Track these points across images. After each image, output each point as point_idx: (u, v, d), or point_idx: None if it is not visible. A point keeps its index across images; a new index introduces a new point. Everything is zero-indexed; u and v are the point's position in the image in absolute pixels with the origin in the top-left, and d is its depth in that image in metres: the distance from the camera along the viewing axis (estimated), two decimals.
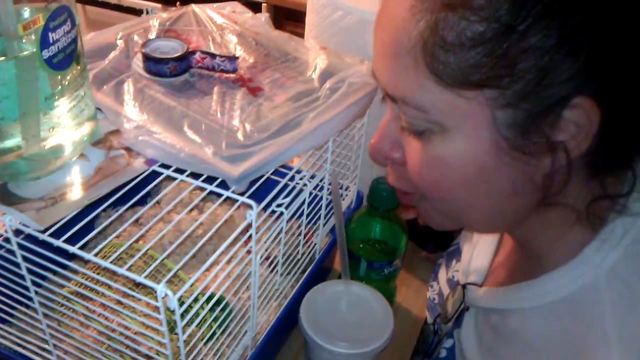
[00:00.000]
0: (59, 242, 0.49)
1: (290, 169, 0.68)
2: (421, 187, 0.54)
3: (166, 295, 0.47)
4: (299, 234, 0.73)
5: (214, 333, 0.67)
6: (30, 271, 0.54)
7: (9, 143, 0.52)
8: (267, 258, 0.72)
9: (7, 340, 0.65)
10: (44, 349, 0.63)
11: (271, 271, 0.72)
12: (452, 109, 0.47)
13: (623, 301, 0.49)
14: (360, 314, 0.71)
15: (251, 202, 0.56)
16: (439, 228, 0.60)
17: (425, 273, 0.95)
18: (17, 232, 0.51)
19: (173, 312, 0.48)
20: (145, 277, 0.47)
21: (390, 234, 0.81)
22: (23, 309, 0.61)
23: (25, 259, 0.53)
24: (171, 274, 0.50)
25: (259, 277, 0.64)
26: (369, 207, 0.80)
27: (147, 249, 0.51)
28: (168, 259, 0.80)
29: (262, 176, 0.59)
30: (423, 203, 0.58)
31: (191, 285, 0.67)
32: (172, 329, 0.53)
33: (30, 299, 0.57)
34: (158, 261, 0.50)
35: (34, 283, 0.55)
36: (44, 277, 0.54)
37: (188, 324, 0.63)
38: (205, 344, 0.64)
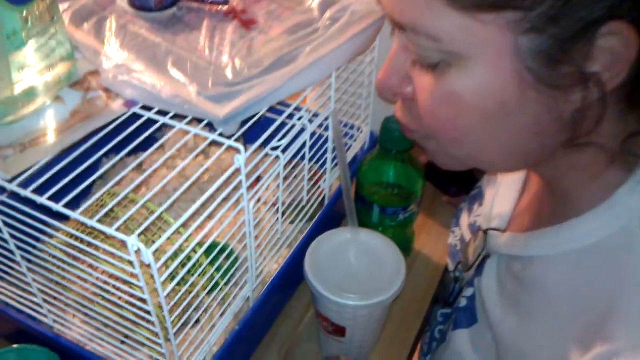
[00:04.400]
0: (41, 199, 0.45)
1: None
2: (433, 126, 0.49)
3: (139, 249, 0.43)
4: (304, 178, 0.68)
5: (217, 283, 0.63)
6: (8, 225, 0.51)
7: None
8: (274, 204, 0.68)
9: (1, 295, 0.63)
10: (35, 303, 0.61)
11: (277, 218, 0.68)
12: (468, 37, 0.42)
13: None
14: (369, 263, 0.67)
15: (238, 145, 0.51)
16: (447, 168, 0.55)
17: (446, 218, 0.89)
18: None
19: (149, 266, 0.45)
20: (142, 231, 0.44)
21: (405, 177, 0.75)
22: (8, 262, 0.58)
23: (2, 212, 0.50)
24: (148, 221, 0.45)
25: (260, 224, 0.60)
26: (381, 149, 0.74)
27: (145, 201, 0.47)
28: (172, 209, 0.77)
29: (254, 116, 0.54)
30: (428, 142, 0.53)
31: (189, 235, 0.64)
32: (172, 278, 0.49)
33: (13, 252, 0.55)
34: (155, 215, 0.45)
35: (14, 237, 0.52)
36: (24, 232, 0.51)
37: (190, 273, 0.60)
38: (208, 293, 0.61)
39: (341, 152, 0.64)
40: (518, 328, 0.55)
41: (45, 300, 0.59)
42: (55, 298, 0.58)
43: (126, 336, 0.58)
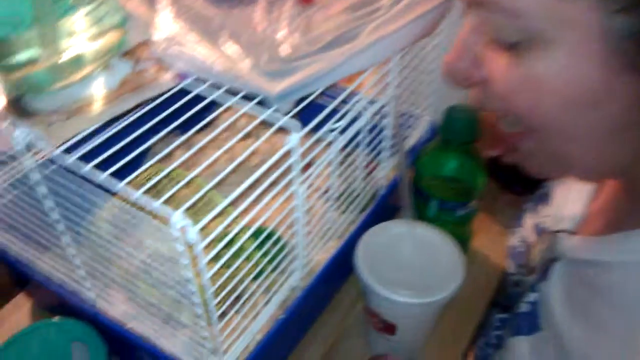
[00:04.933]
0: (87, 168, 0.43)
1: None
2: (511, 114, 0.45)
3: (184, 226, 0.41)
4: (359, 166, 0.65)
5: (263, 269, 0.61)
6: (54, 193, 0.50)
7: (25, 54, 0.47)
8: (325, 192, 0.65)
9: (46, 265, 0.62)
10: (78, 277, 0.60)
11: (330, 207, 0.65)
12: (553, 14, 0.38)
13: None
14: (425, 259, 0.63)
15: (292, 123, 0.48)
16: (540, 175, 0.50)
17: (507, 218, 0.84)
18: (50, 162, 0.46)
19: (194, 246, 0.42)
20: (189, 208, 0.41)
21: (467, 171, 0.71)
22: (52, 233, 0.57)
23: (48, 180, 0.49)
24: (195, 198, 0.43)
25: (310, 212, 0.57)
26: (443, 140, 0.70)
27: (193, 178, 0.44)
28: (219, 191, 0.75)
29: (307, 97, 0.51)
30: (528, 144, 0.48)
31: (236, 218, 0.62)
32: (217, 260, 0.46)
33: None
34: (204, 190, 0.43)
35: (59, 205, 0.51)
36: (70, 202, 0.49)
37: (235, 257, 0.58)
38: (253, 280, 0.59)
39: (400, 142, 0.60)
40: (588, 339, 0.50)
41: (89, 274, 0.58)
42: (99, 273, 0.57)
43: (169, 316, 0.56)
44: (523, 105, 0.43)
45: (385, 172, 0.72)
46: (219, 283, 0.48)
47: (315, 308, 0.74)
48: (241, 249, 0.63)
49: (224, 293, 0.49)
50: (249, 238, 0.54)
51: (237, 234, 0.51)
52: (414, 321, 0.62)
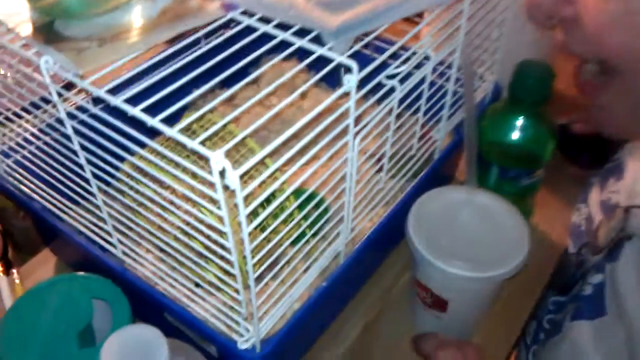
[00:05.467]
0: (118, 102, 0.38)
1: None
2: (603, 54, 0.39)
3: (224, 169, 0.35)
4: (414, 125, 0.58)
5: (303, 233, 0.55)
6: (79, 134, 0.45)
7: None
8: (373, 155, 0.59)
9: (69, 218, 0.58)
10: (104, 231, 0.55)
11: (378, 171, 0.59)
12: None
13: None
14: (486, 229, 0.56)
15: (351, 63, 0.42)
16: (617, 136, 0.44)
17: (570, 193, 0.77)
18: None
19: (234, 192, 0.36)
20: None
21: (534, 135, 0.64)
22: (77, 180, 0.52)
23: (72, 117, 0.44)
24: (236, 140, 0.37)
25: (360, 171, 0.51)
26: (509, 100, 0.63)
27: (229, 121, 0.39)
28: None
29: (367, 35, 0.45)
30: (609, 97, 0.42)
31: (277, 174, 0.56)
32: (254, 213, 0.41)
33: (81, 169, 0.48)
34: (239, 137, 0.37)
35: (84, 149, 0.46)
36: (96, 143, 0.44)
37: (274, 216, 0.53)
38: (292, 244, 0.53)
39: (470, 93, 0.53)
40: None
41: (116, 229, 0.53)
42: (127, 227, 0.52)
43: (201, 278, 0.51)
44: (616, 43, 0.39)
45: (443, 134, 0.65)
46: (257, 241, 0.43)
47: (357, 279, 0.68)
48: (281, 209, 0.58)
49: (261, 254, 0.43)
50: (288, 197, 0.49)
51: (277, 191, 0.46)
52: (468, 298, 0.56)
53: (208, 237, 0.42)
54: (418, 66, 0.52)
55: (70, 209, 0.57)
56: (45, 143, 0.58)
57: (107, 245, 0.56)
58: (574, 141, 0.76)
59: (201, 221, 0.41)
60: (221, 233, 0.40)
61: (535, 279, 0.70)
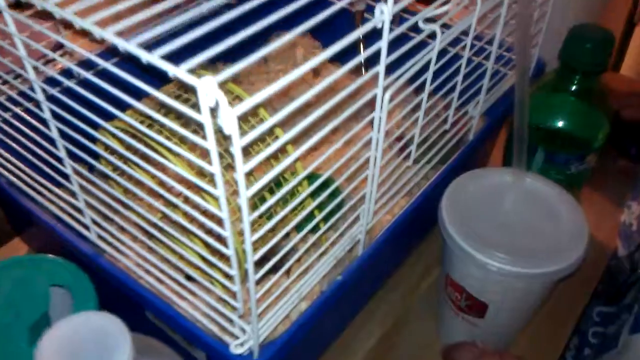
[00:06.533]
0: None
1: None
2: None
3: (217, 103, 0.26)
4: (449, 104, 0.49)
5: (317, 226, 0.46)
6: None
7: None
8: (398, 139, 0.49)
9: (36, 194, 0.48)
10: (74, 207, 0.45)
11: (405, 157, 0.49)
12: None
13: None
14: (536, 218, 0.47)
15: None
16: None
17: (617, 188, 0.68)
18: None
19: (228, 140, 0.27)
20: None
21: (585, 117, 0.55)
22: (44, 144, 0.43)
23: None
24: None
25: (383, 151, 0.42)
26: (559, 73, 0.54)
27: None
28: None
29: None
30: None
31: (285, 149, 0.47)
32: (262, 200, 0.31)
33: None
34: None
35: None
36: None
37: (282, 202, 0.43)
38: (297, 229, 0.44)
39: (522, 54, 0.43)
40: None
41: (89, 205, 0.44)
42: (102, 204, 0.42)
43: (189, 265, 0.41)
44: None
45: (479, 112, 0.56)
46: (256, 213, 0.33)
47: (376, 277, 0.58)
48: (292, 195, 0.49)
49: (265, 229, 0.34)
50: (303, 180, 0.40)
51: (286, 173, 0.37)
52: (513, 302, 0.46)
53: (195, 207, 0.33)
54: (453, 44, 0.43)
55: (37, 181, 0.48)
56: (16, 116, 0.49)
57: (81, 229, 0.46)
58: (624, 130, 0.66)
59: (186, 182, 0.32)
60: (212, 198, 0.31)
61: (580, 286, 0.60)
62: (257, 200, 0.52)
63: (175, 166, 0.33)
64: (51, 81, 0.38)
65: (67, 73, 0.41)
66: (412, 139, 0.47)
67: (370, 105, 0.37)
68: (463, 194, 0.48)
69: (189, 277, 0.41)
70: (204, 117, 0.26)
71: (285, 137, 0.31)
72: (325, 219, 0.43)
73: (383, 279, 0.60)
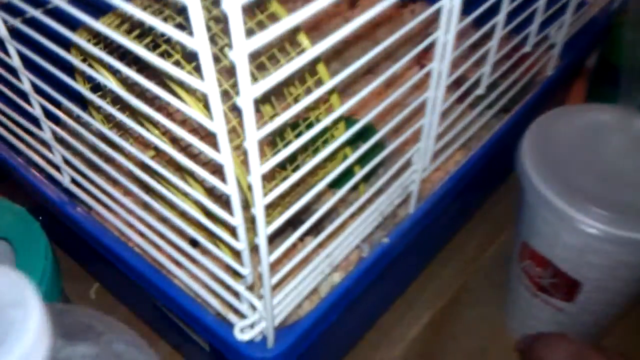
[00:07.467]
0: None
1: None
2: None
3: None
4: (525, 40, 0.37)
5: (351, 173, 0.35)
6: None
7: None
8: (457, 83, 0.38)
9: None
10: (43, 143, 0.35)
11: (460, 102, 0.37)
12: None
13: None
14: None
15: None
16: None
17: None
18: None
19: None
20: None
21: None
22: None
23: None
24: None
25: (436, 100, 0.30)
26: None
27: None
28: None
29: None
30: None
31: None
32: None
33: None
34: None
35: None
36: None
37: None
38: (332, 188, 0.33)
39: None
40: None
41: (56, 138, 0.33)
42: (76, 137, 0.32)
43: (194, 224, 0.30)
44: None
45: (561, 45, 0.44)
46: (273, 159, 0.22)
47: (429, 246, 0.47)
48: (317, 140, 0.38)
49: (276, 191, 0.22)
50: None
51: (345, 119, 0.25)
52: (615, 279, 0.35)
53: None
54: None
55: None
56: None
57: (50, 169, 0.36)
58: None
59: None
60: (208, 121, 0.20)
61: None
62: (277, 137, 0.41)
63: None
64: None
65: None
66: (477, 81, 0.36)
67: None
68: (551, 135, 0.36)
69: (195, 243, 0.30)
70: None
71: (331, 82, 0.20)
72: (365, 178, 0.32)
73: (437, 248, 0.48)
